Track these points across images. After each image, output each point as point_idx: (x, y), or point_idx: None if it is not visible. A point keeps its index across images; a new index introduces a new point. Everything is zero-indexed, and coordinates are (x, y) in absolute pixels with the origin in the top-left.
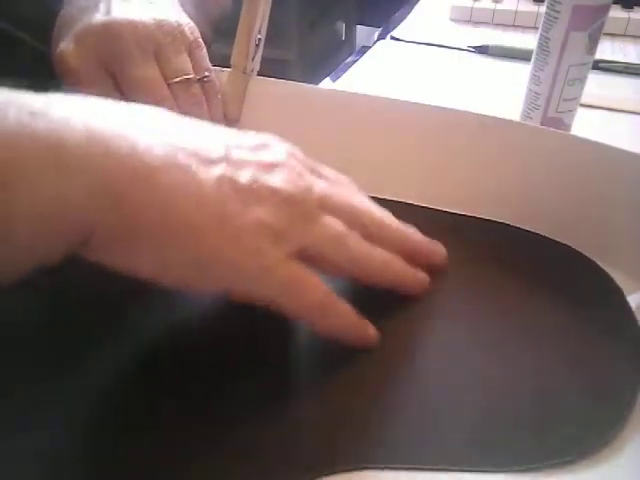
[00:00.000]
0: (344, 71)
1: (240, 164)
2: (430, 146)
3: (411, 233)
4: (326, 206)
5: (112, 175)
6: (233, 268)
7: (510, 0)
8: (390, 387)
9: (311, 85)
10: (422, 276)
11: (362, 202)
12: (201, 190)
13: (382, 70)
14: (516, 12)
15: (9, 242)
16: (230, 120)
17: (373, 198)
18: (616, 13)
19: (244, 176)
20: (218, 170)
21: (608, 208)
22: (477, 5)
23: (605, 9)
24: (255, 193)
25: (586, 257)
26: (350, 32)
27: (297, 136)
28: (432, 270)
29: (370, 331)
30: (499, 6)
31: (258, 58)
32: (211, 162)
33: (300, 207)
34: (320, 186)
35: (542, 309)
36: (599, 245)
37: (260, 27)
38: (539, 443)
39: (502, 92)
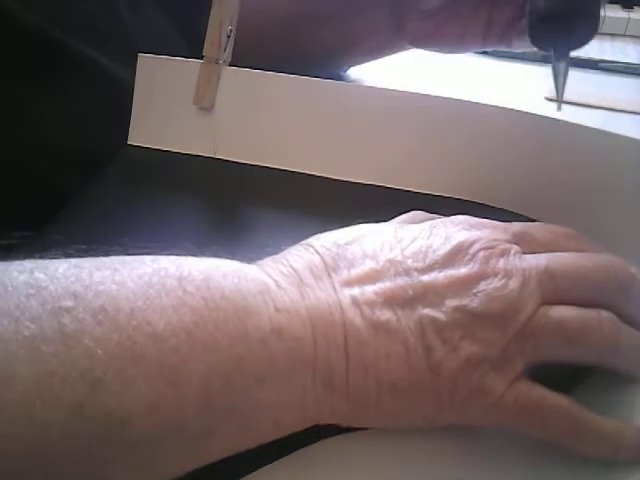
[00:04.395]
0: (344, 71)
1: (435, 294)
2: (416, 135)
3: None
4: (551, 288)
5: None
6: (458, 414)
7: None
8: None
9: (281, 74)
10: None
11: (599, 260)
12: (406, 347)
13: (382, 70)
14: None
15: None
16: (203, 109)
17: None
18: (616, 13)
19: (444, 310)
20: (416, 314)
21: (603, 195)
22: None
23: None
24: (459, 326)
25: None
26: None
27: (268, 123)
28: None
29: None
30: None
31: (230, 49)
32: (406, 304)
33: (514, 319)
34: (539, 264)
35: None
36: (594, 232)
37: (231, 19)
38: None
39: (502, 92)
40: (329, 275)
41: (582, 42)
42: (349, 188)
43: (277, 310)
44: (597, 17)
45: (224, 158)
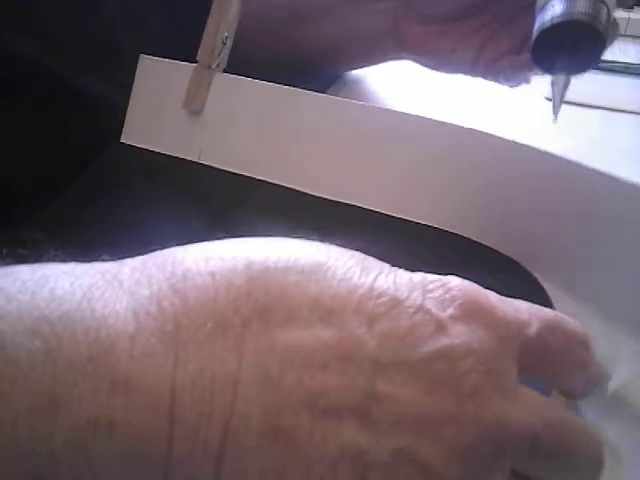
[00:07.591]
0: (342, 73)
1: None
2: (409, 159)
3: None
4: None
5: None
6: None
7: None
8: None
9: (272, 83)
10: None
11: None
12: None
13: (381, 71)
14: None
15: None
16: (192, 113)
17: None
18: (616, 13)
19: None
20: None
21: (545, 218)
22: None
23: None
24: None
25: (512, 259)
26: None
27: (256, 132)
28: None
29: None
30: None
31: (225, 55)
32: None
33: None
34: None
35: None
36: (530, 254)
37: (229, 26)
38: None
39: (502, 92)
40: None
41: (582, 69)
42: (334, 205)
43: None
44: (599, 49)
45: (208, 164)
